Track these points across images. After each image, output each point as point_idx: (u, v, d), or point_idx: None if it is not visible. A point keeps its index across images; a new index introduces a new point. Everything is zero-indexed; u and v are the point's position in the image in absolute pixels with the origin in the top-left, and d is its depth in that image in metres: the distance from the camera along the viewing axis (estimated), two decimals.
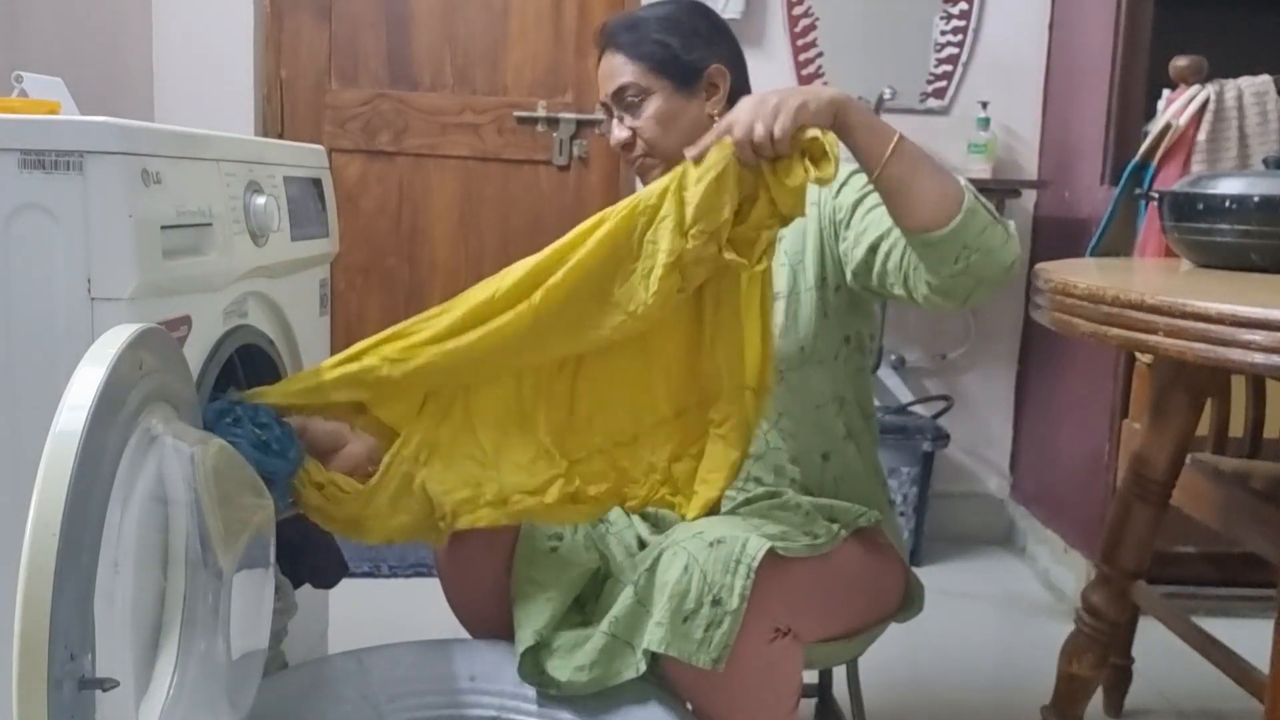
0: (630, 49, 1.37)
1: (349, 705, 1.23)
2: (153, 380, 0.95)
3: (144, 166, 1.12)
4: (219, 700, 0.98)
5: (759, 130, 1.11)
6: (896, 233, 1.20)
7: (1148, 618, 1.89)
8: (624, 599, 1.20)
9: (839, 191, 1.34)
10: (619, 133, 1.40)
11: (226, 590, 0.95)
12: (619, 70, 1.38)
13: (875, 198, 1.27)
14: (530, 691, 1.28)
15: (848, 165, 1.34)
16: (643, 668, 1.18)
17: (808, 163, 1.13)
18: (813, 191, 1.36)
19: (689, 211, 1.15)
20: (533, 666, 1.26)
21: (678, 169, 1.19)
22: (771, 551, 1.15)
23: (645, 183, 1.44)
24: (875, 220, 1.27)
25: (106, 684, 0.82)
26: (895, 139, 1.14)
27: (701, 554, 1.14)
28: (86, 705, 0.81)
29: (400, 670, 1.26)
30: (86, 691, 0.81)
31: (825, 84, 2.87)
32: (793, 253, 1.38)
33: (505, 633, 1.32)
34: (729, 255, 1.17)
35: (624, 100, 1.38)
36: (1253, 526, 1.64)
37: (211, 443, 1.02)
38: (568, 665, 1.23)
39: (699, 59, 1.38)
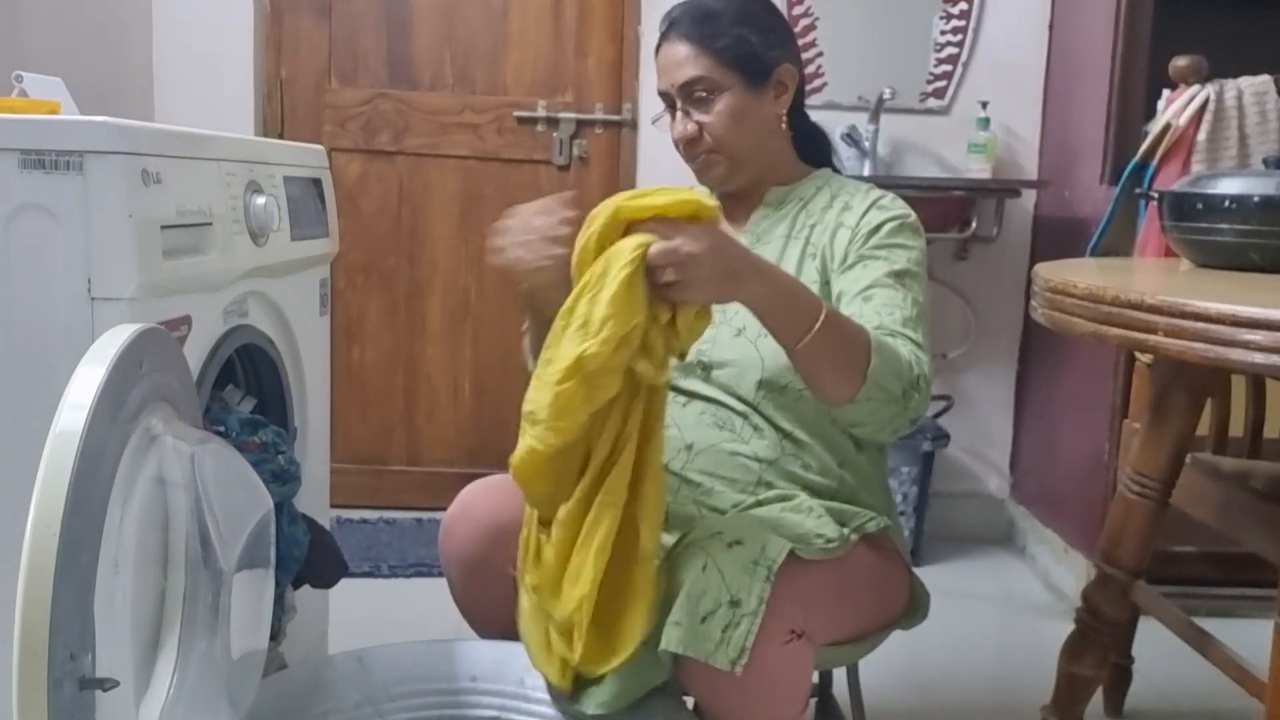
0: (703, 41, 1.33)
1: (349, 705, 1.23)
2: (153, 380, 0.95)
3: (144, 166, 1.12)
4: (219, 700, 0.98)
5: (673, 275, 1.02)
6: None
7: (1148, 618, 1.89)
8: None
9: (874, 229, 1.33)
10: (685, 127, 1.35)
11: (226, 590, 0.95)
12: (689, 62, 1.33)
13: (871, 271, 1.29)
14: (531, 691, 1.27)
15: (884, 210, 1.34)
16: (668, 672, 1.16)
17: (676, 324, 1.05)
18: (852, 215, 1.36)
19: (597, 311, 1.01)
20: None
21: (593, 270, 1.04)
22: (789, 553, 1.15)
23: (703, 180, 1.42)
24: (847, 301, 1.28)
25: (106, 684, 0.82)
26: (807, 338, 1.10)
27: (720, 555, 1.13)
28: (86, 705, 0.81)
29: (401, 670, 1.26)
30: (86, 691, 0.81)
31: (823, 81, 2.87)
32: (823, 266, 1.35)
33: (514, 631, 1.31)
34: (641, 365, 1.05)
35: (692, 94, 1.34)
36: (1253, 526, 1.64)
37: (211, 443, 1.02)
38: (596, 688, 1.18)
39: (775, 57, 1.35)
